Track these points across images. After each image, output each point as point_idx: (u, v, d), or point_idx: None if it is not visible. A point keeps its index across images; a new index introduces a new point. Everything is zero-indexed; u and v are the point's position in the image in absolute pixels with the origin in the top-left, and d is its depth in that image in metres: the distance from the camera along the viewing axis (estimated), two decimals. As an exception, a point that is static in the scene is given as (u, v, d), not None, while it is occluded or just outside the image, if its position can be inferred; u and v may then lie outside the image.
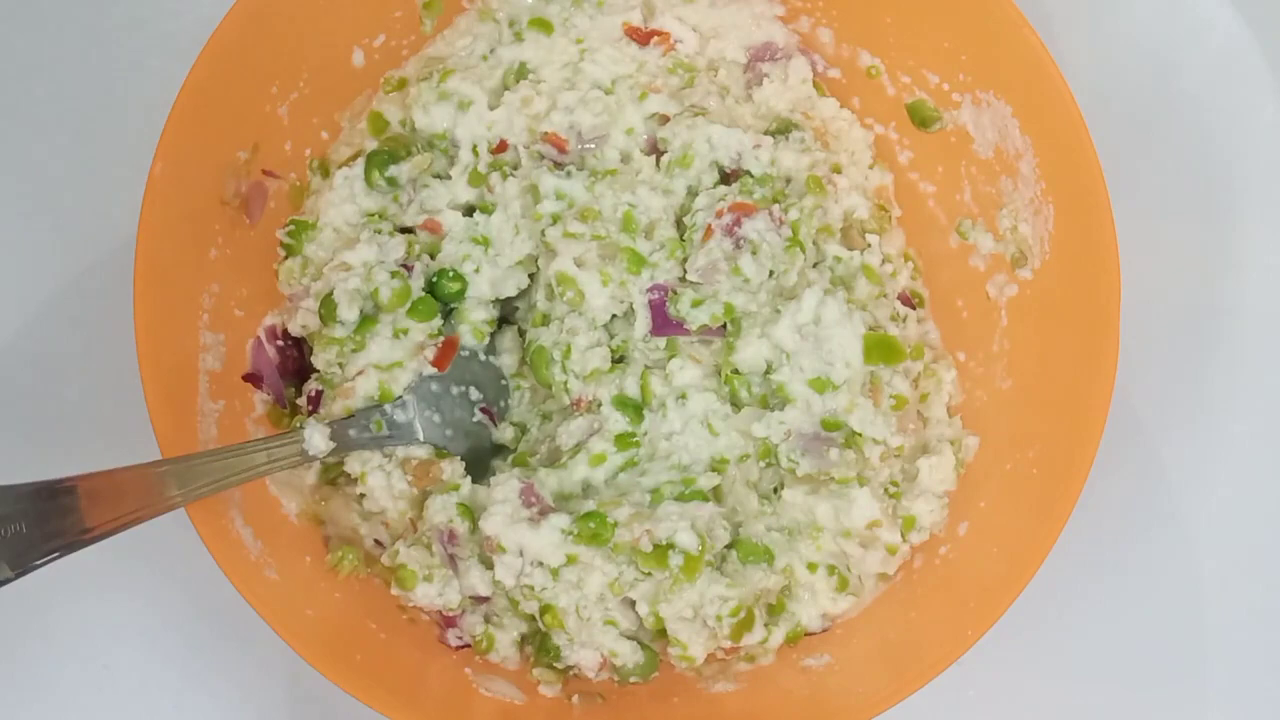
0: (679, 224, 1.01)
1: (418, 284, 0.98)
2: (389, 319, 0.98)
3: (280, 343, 1.02)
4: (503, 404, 1.04)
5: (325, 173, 1.05)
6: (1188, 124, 1.16)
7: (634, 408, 0.99)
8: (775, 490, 1.01)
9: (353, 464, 0.97)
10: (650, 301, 0.99)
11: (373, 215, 1.02)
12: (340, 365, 0.98)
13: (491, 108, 1.03)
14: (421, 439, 0.98)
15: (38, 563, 0.76)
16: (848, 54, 1.08)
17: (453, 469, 0.99)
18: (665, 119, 1.04)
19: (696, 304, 0.98)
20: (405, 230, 1.03)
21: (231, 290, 0.99)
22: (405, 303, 0.97)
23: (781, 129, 1.05)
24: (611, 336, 1.01)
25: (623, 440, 0.98)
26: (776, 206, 0.99)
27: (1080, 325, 0.95)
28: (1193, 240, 1.14)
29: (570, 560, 0.93)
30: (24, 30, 1.15)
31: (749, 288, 0.97)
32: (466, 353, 1.01)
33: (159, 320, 0.91)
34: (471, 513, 0.96)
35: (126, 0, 1.15)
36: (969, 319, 1.06)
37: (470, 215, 1.02)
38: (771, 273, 0.98)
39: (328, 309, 0.96)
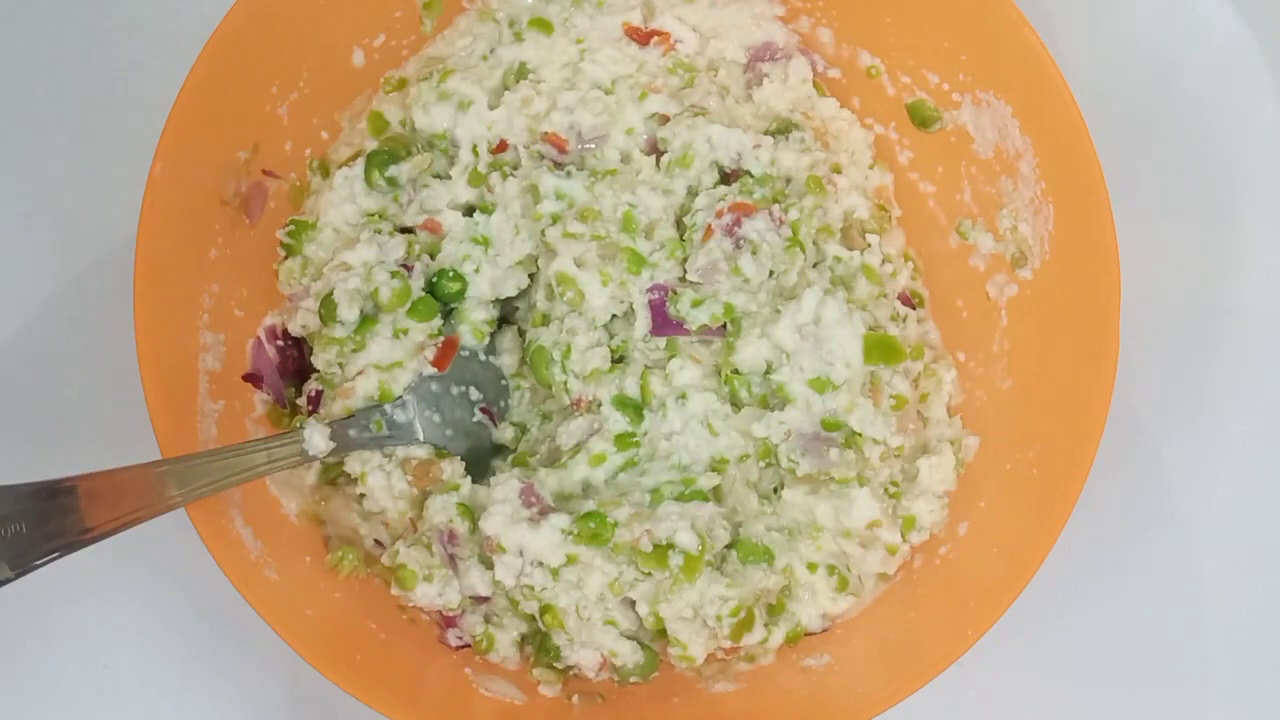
0: (679, 224, 1.01)
1: (418, 284, 0.98)
2: (389, 319, 0.98)
3: (280, 343, 1.02)
4: (503, 404, 1.04)
5: (325, 173, 1.05)
6: (1188, 124, 1.16)
7: (634, 408, 0.99)
8: (775, 490, 1.01)
9: (353, 464, 0.97)
10: (650, 301, 0.99)
11: (373, 215, 1.02)
12: (340, 365, 0.98)
13: (491, 108, 1.03)
14: (421, 439, 0.98)
15: (38, 563, 0.76)
16: (848, 54, 1.08)
17: (453, 469, 0.99)
18: (665, 119, 1.04)
19: (696, 304, 0.98)
20: (405, 230, 1.03)
21: (231, 290, 0.99)
22: (405, 303, 0.97)
23: (782, 129, 1.05)
24: (611, 336, 1.01)
25: (623, 440, 0.98)
26: (776, 206, 0.99)
27: (1080, 325, 0.95)
28: (1193, 240, 1.14)
29: (570, 560, 0.93)
30: (24, 30, 1.15)
31: (749, 288, 0.97)
32: (466, 353, 1.01)
33: (159, 320, 0.91)
34: (471, 513, 0.96)
35: (126, 0, 1.15)
36: (969, 319, 1.06)
37: (470, 215, 1.02)
38: (771, 273, 0.98)
39: (328, 309, 0.96)
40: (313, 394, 0.99)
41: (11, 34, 1.15)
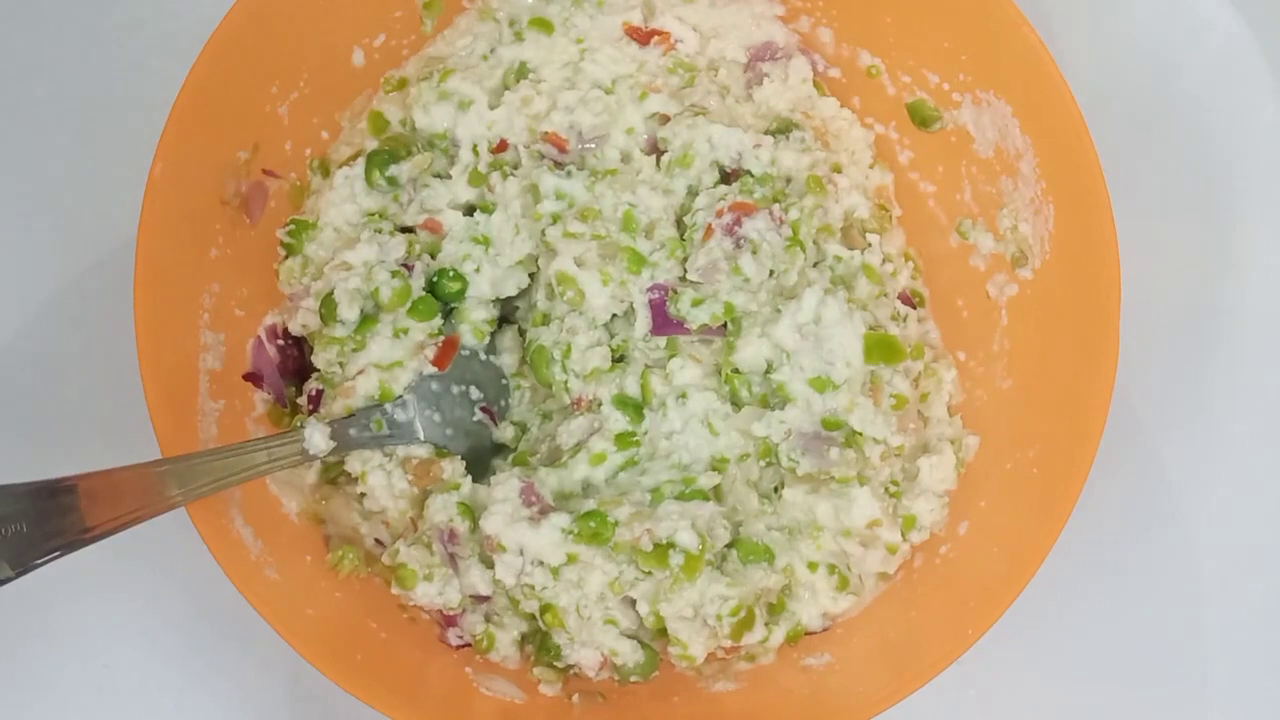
0: (679, 223, 1.02)
1: (418, 283, 0.98)
2: (389, 318, 0.98)
3: (281, 342, 1.02)
4: (503, 403, 1.04)
5: (325, 172, 1.05)
6: (1188, 124, 1.16)
7: (634, 407, 0.99)
8: (776, 489, 1.01)
9: (353, 463, 0.97)
10: (650, 301, 0.99)
11: (373, 215, 1.02)
12: (341, 364, 0.98)
13: (492, 107, 1.03)
14: (422, 438, 0.98)
15: (38, 562, 0.76)
16: (848, 53, 1.08)
17: (453, 468, 0.99)
18: (666, 119, 1.04)
19: (697, 303, 0.98)
20: (405, 230, 1.03)
21: (232, 290, 0.99)
22: (406, 302, 0.97)
23: (782, 128, 1.05)
24: (612, 336, 1.01)
25: (623, 439, 0.98)
26: (777, 206, 0.99)
27: (1080, 324, 0.95)
28: (1193, 240, 1.14)
29: (571, 559, 0.93)
30: (24, 30, 1.15)
31: (749, 287, 0.97)
32: (467, 352, 1.01)
33: (159, 320, 0.91)
34: (472, 512, 0.96)
35: (126, 0, 1.15)
36: (969, 318, 1.06)
37: (470, 215, 1.02)
38: (772, 272, 0.98)
39: (328, 308, 0.96)
40: (313, 393, 0.99)
41: (11, 34, 1.15)
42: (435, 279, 0.99)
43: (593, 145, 1.03)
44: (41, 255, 1.11)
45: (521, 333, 1.05)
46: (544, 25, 1.06)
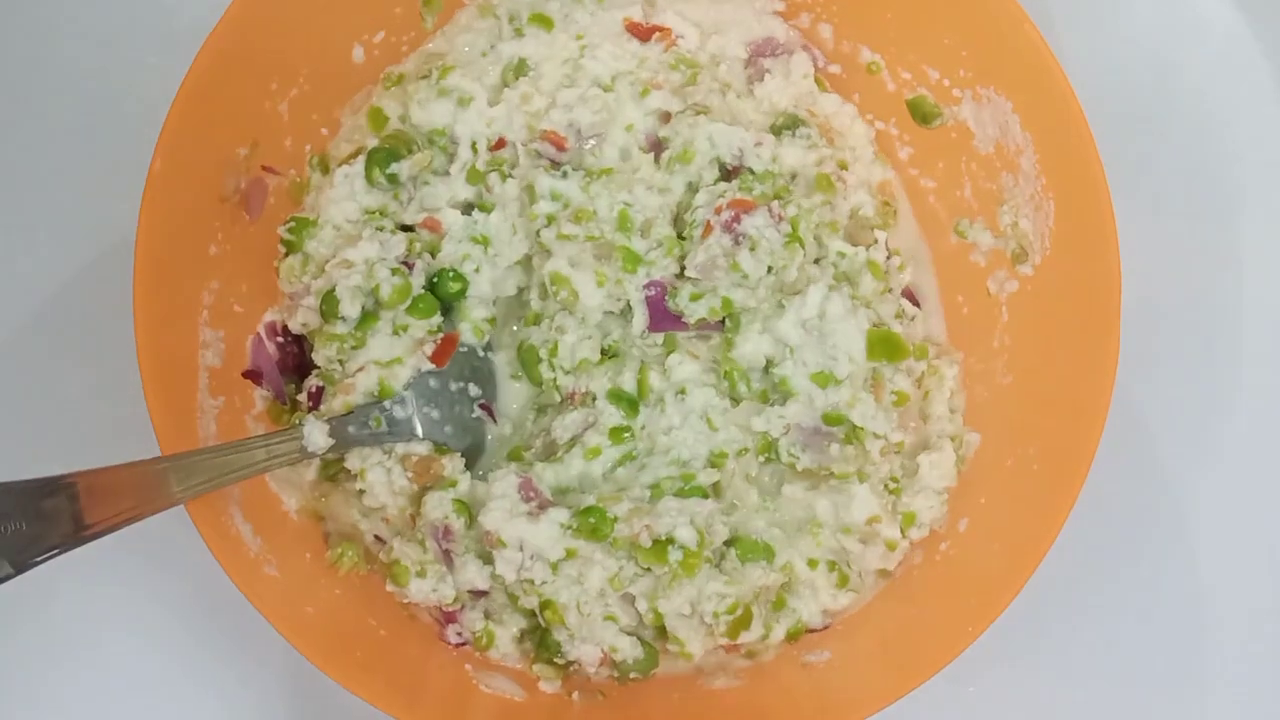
0: (678, 221, 1.01)
1: (418, 281, 0.98)
2: (389, 315, 0.98)
3: (280, 339, 1.02)
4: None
5: (325, 169, 1.05)
6: (1188, 122, 1.16)
7: (628, 401, 0.99)
8: (776, 487, 1.01)
9: (352, 460, 0.97)
10: (647, 298, 0.99)
11: (373, 213, 1.02)
12: (341, 362, 0.98)
13: (491, 104, 1.03)
14: (420, 435, 0.98)
15: (37, 560, 0.76)
16: (848, 50, 1.09)
17: (453, 465, 0.98)
18: (667, 116, 1.04)
19: (695, 298, 0.98)
20: (405, 228, 1.02)
21: (231, 287, 0.99)
22: (406, 300, 0.97)
23: (788, 125, 1.05)
24: (605, 335, 1.01)
25: (617, 434, 0.98)
26: (776, 203, 0.99)
27: (1081, 321, 0.95)
28: (1193, 239, 1.14)
29: (570, 554, 0.93)
30: (24, 30, 1.15)
31: (748, 284, 0.97)
32: (465, 349, 1.01)
33: (159, 317, 0.91)
34: (468, 508, 0.96)
35: (126, 0, 1.15)
36: (969, 315, 1.06)
37: (469, 213, 1.02)
38: (770, 269, 0.98)
39: (329, 305, 0.96)
40: (313, 390, 0.99)
41: (12, 34, 1.15)
42: (435, 279, 0.99)
43: (592, 143, 1.03)
44: (41, 253, 1.11)
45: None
46: (544, 21, 1.06)
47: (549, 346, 0.99)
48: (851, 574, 0.99)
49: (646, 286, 0.99)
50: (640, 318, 0.99)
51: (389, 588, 0.97)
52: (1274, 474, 1.12)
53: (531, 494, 0.95)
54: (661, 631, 0.95)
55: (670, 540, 0.93)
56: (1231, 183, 1.16)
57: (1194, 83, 1.17)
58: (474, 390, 1.01)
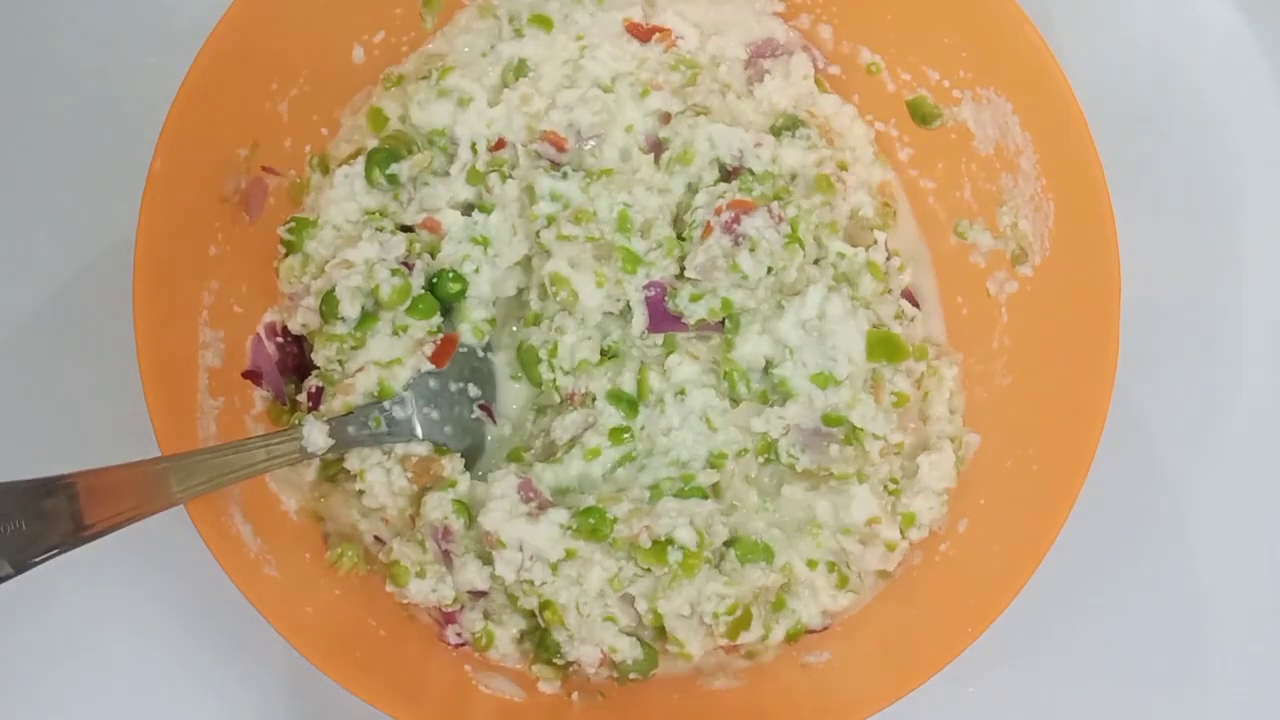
0: (677, 222, 1.01)
1: (418, 282, 0.98)
2: (389, 316, 0.98)
3: (280, 339, 1.02)
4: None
5: (325, 170, 1.05)
6: (1188, 123, 1.16)
7: (628, 402, 0.99)
8: (776, 487, 1.01)
9: (352, 461, 0.97)
10: (647, 298, 0.99)
11: (373, 213, 1.02)
12: (340, 362, 0.98)
13: (491, 105, 1.03)
14: (420, 435, 0.98)
15: (37, 560, 0.76)
16: (848, 50, 1.09)
17: (452, 465, 0.98)
18: (667, 117, 1.04)
19: (695, 299, 0.98)
20: (405, 229, 1.02)
21: (231, 287, 0.99)
22: (405, 300, 0.97)
23: (788, 125, 1.05)
24: (605, 336, 1.01)
25: (616, 434, 0.98)
26: (776, 203, 0.99)
27: (1080, 322, 0.95)
28: (1193, 239, 1.14)
29: (569, 555, 0.93)
30: (24, 30, 1.15)
31: (747, 284, 0.97)
32: (465, 349, 1.01)
33: (159, 317, 0.91)
34: (468, 509, 0.96)
35: (126, 0, 1.15)
36: (969, 316, 1.06)
37: (469, 214, 1.02)
38: (770, 269, 0.98)
39: (329, 306, 0.96)
40: (313, 390, 0.99)
41: (12, 34, 1.15)
42: (435, 279, 0.99)
43: (592, 144, 1.03)
44: (41, 253, 1.11)
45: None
46: (544, 22, 1.06)
47: (549, 347, 1.00)
48: (851, 575, 0.99)
49: (646, 287, 0.99)
50: (640, 318, 0.99)
51: (388, 588, 0.97)
52: (1274, 474, 1.12)
53: (531, 494, 0.95)
54: (661, 632, 0.95)
55: (670, 541, 0.93)
56: (1231, 183, 1.16)
57: (1194, 83, 1.17)
58: (474, 391, 1.01)
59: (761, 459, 1.01)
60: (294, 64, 1.00)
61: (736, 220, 0.97)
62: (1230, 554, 1.10)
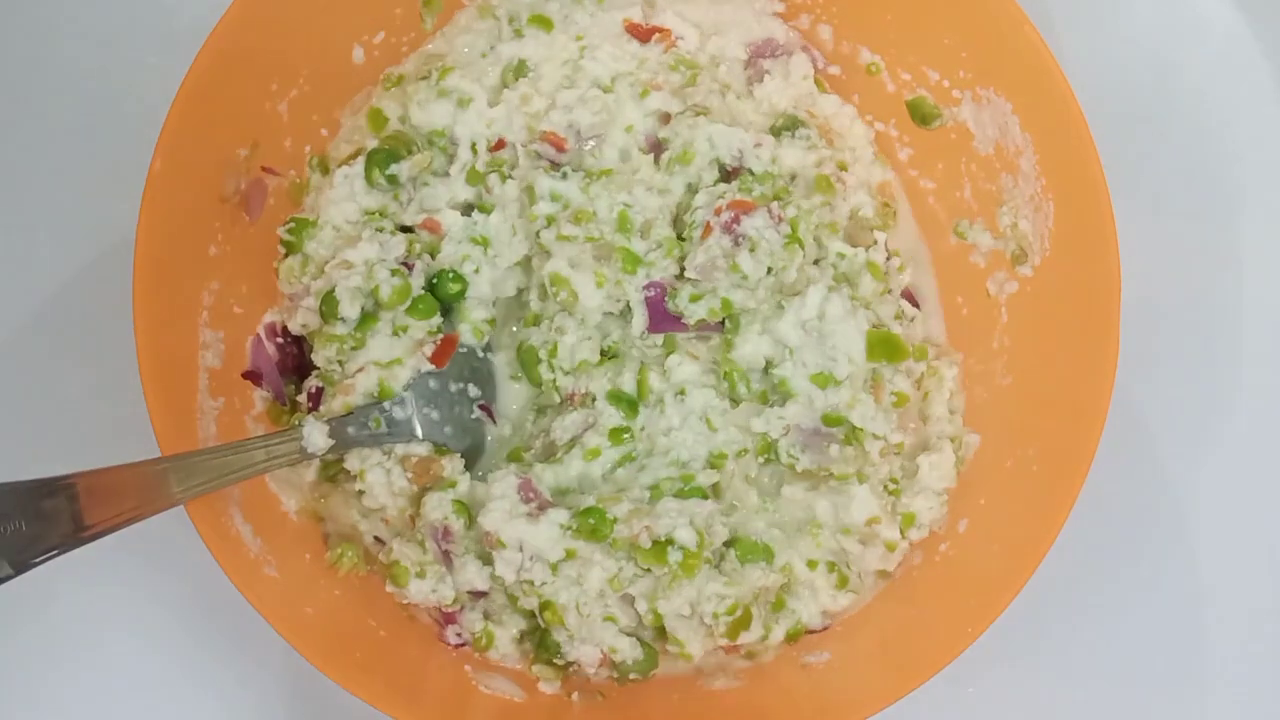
0: (677, 222, 1.02)
1: (418, 282, 0.98)
2: (389, 316, 0.98)
3: (280, 340, 1.02)
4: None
5: (325, 170, 1.05)
6: (1188, 123, 1.16)
7: (628, 402, 0.99)
8: (776, 488, 1.01)
9: (352, 461, 0.97)
10: (647, 298, 0.99)
11: (373, 213, 1.02)
12: (340, 362, 0.98)
13: (491, 105, 1.03)
14: (420, 436, 0.98)
15: (36, 560, 0.76)
16: (848, 50, 1.09)
17: (452, 466, 0.98)
18: (667, 117, 1.04)
19: (695, 299, 0.98)
20: (405, 229, 1.02)
21: (231, 287, 0.99)
22: (405, 300, 0.97)
23: (788, 125, 1.05)
24: (605, 336, 1.01)
25: (616, 435, 0.98)
26: (776, 204, 0.99)
27: (1080, 322, 0.95)
28: (1193, 239, 1.14)
29: (569, 555, 0.93)
30: (24, 30, 1.15)
31: (747, 284, 0.97)
32: (465, 350, 1.01)
33: (158, 318, 0.91)
34: (468, 509, 0.96)
35: (126, 0, 1.15)
36: (969, 316, 1.06)
37: (469, 214, 1.02)
38: (770, 270, 0.98)
39: (329, 306, 0.96)
40: (313, 391, 0.99)
41: (12, 34, 1.15)
42: (435, 280, 0.99)
43: (591, 144, 1.03)
44: (41, 254, 1.11)
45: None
46: (543, 22, 1.06)
47: (548, 347, 1.00)
48: (851, 575, 0.99)
49: (646, 287, 0.99)
50: (640, 319, 0.99)
51: (388, 588, 0.97)
52: (1274, 474, 1.12)
53: (531, 495, 0.95)
54: (661, 632, 0.95)
55: (670, 541, 0.93)
56: (1231, 183, 1.16)
57: (1194, 83, 1.17)
58: (473, 391, 1.01)
59: (761, 459, 1.01)
60: (294, 64, 1.00)
61: (736, 220, 0.97)
62: (1230, 554, 1.10)
